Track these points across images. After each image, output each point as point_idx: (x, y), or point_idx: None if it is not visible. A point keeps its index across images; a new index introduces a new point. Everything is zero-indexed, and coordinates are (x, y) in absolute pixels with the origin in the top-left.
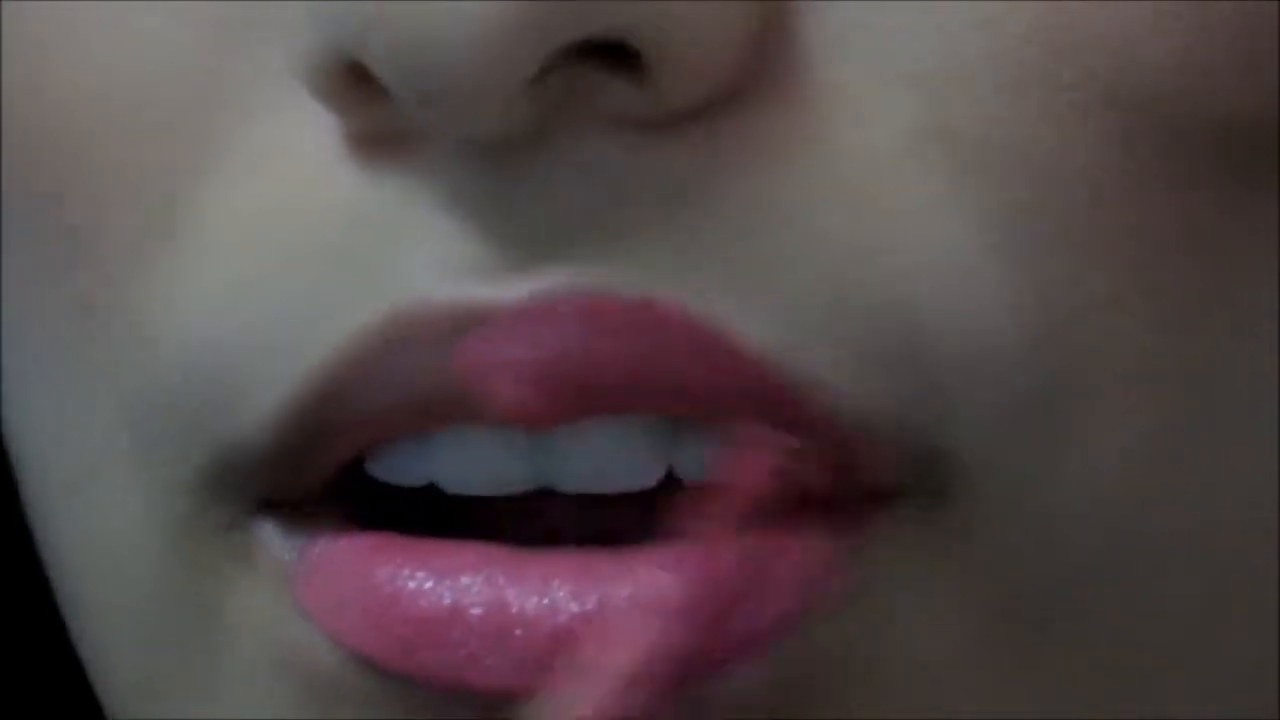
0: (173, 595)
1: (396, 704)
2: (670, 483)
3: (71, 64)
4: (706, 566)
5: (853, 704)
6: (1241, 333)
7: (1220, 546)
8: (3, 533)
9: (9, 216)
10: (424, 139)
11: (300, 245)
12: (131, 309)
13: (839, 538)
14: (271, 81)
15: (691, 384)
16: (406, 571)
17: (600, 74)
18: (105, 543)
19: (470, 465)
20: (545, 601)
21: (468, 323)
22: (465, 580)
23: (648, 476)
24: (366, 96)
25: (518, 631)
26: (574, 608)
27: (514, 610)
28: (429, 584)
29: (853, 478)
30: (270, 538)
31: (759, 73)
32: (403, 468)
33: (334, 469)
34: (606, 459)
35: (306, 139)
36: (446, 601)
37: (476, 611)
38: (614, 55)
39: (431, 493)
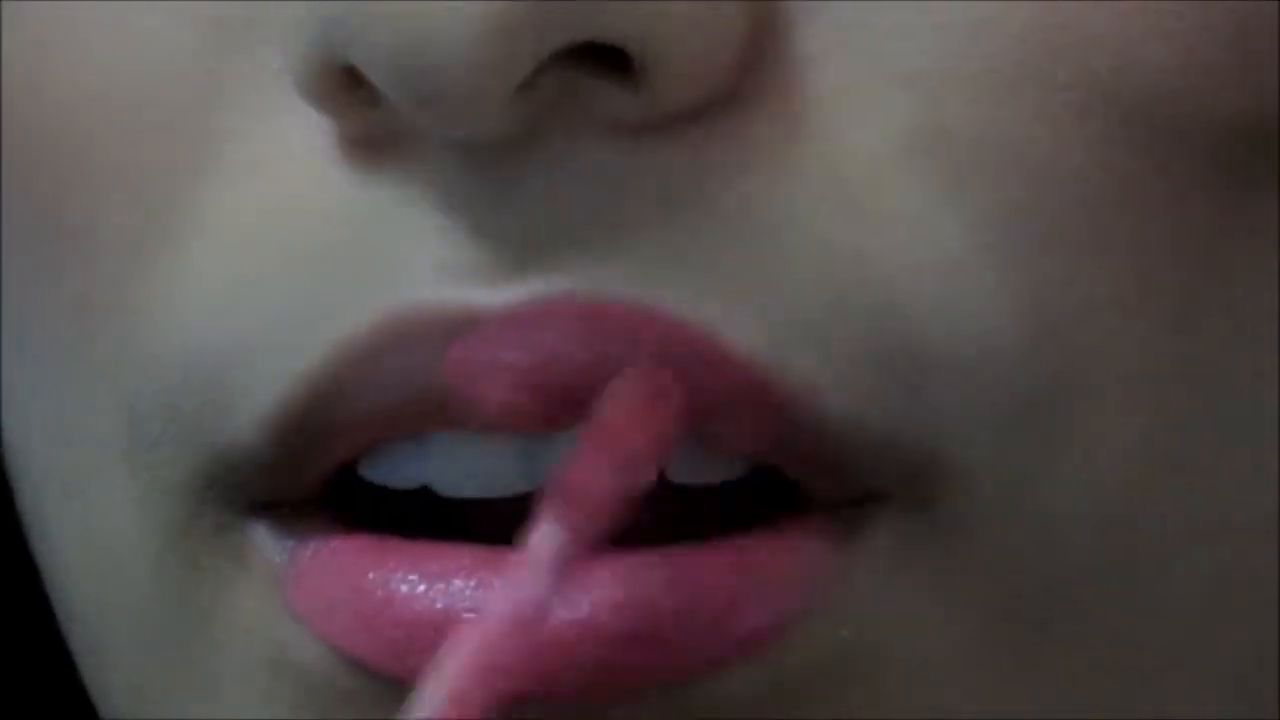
0: (169, 597)
1: (388, 706)
2: (661, 485)
3: (71, 64)
4: (696, 568)
5: (852, 704)
6: (1241, 333)
7: (1220, 546)
8: None
9: (8, 216)
10: (418, 142)
11: (298, 246)
12: (130, 309)
13: (836, 539)
14: (270, 82)
15: (681, 388)
16: (399, 574)
17: (594, 77)
18: (102, 543)
19: (463, 467)
20: None
21: (460, 326)
22: (457, 584)
23: None
24: (359, 99)
25: None
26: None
27: None
28: (421, 587)
29: (847, 480)
30: (263, 540)
31: (753, 75)
32: (396, 470)
33: (328, 471)
34: None
35: (304, 140)
36: (439, 605)
37: (469, 615)
38: (608, 58)
39: (424, 495)
